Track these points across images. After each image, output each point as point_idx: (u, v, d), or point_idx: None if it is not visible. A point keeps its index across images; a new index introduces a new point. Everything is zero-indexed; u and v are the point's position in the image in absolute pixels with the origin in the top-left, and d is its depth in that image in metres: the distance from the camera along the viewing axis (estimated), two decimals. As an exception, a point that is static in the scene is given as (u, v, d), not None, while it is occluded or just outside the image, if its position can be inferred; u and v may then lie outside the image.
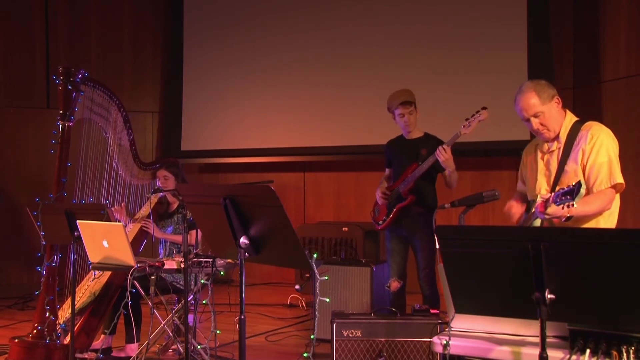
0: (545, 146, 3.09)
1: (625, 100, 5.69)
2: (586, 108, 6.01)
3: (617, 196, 2.95)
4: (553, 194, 2.64)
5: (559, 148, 3.02)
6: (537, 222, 2.94)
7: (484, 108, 3.93)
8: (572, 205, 2.51)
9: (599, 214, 2.90)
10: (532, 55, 6.01)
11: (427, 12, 6.57)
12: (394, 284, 4.29)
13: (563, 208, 2.55)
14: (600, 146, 2.89)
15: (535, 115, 2.97)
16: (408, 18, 6.65)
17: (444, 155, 3.98)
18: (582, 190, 2.47)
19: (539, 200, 2.81)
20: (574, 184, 2.51)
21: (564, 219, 2.70)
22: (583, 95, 6.24)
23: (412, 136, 4.37)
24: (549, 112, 2.97)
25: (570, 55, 6.41)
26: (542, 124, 2.98)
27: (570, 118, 3.05)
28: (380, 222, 4.39)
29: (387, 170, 4.57)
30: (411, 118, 4.28)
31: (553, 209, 2.66)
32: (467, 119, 3.97)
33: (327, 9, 7.07)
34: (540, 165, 3.10)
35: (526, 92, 2.97)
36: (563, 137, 3.01)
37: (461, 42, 6.35)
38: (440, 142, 4.26)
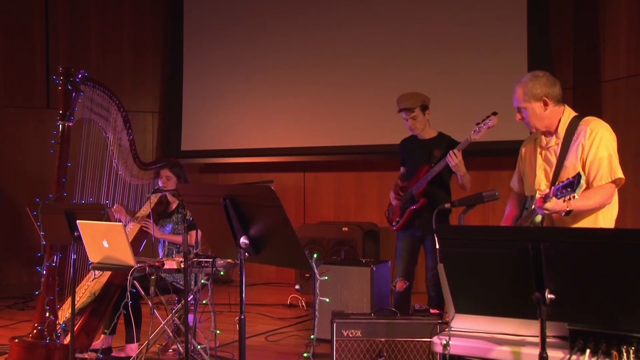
0: (544, 141, 3.09)
1: (625, 100, 5.69)
2: (586, 108, 6.01)
3: (616, 191, 2.95)
4: (553, 188, 2.64)
5: (558, 144, 3.02)
6: (538, 218, 2.94)
7: (494, 114, 3.94)
8: (574, 197, 2.51)
9: (598, 208, 2.90)
10: (532, 55, 6.01)
11: (427, 12, 6.58)
12: (400, 284, 4.29)
13: (564, 201, 2.55)
14: (600, 141, 2.89)
15: (518, 109, 3.03)
16: (408, 18, 6.65)
17: (454, 160, 3.99)
18: (583, 182, 2.48)
19: (537, 196, 2.81)
20: (573, 176, 2.52)
21: (563, 213, 2.70)
22: (583, 95, 6.24)
23: (425, 136, 4.36)
24: (531, 111, 2.99)
25: (570, 55, 6.41)
26: (522, 118, 3.04)
27: (569, 113, 3.04)
28: (394, 224, 4.40)
29: (402, 169, 4.57)
30: (415, 123, 4.27)
31: (552, 203, 2.66)
32: (477, 124, 3.97)
33: (327, 9, 7.07)
34: (539, 160, 3.10)
35: (519, 85, 3.03)
36: (562, 132, 3.01)
37: (461, 42, 6.35)
38: (453, 142, 4.25)
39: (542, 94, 2.97)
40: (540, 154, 3.10)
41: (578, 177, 2.48)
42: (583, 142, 2.92)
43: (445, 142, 4.28)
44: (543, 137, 3.09)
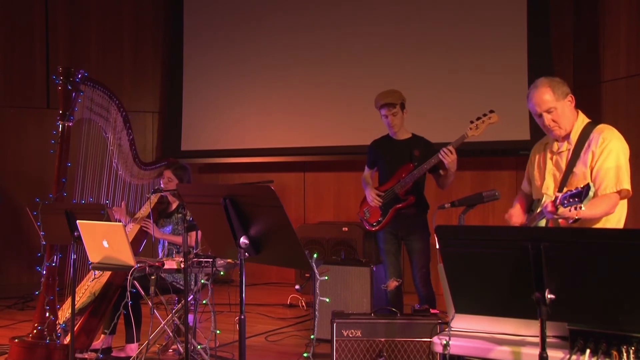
0: (555, 146, 3.07)
1: (625, 100, 5.69)
2: (586, 108, 5.94)
3: (625, 202, 2.94)
4: (560, 195, 2.62)
5: (569, 149, 3.00)
6: (542, 223, 2.93)
7: (492, 111, 3.93)
8: (580, 207, 2.49)
9: (602, 217, 2.89)
10: (532, 55, 6.02)
11: (428, 12, 6.57)
12: (393, 283, 4.29)
13: (570, 210, 2.53)
14: (610, 151, 2.87)
15: (548, 111, 2.96)
16: (408, 18, 6.65)
17: (450, 157, 3.97)
18: (591, 194, 2.45)
19: (547, 200, 2.80)
20: (582, 186, 2.49)
21: (571, 221, 2.69)
22: (583, 95, 6.22)
23: (400, 137, 4.37)
24: (561, 109, 2.95)
25: (570, 55, 6.41)
26: (554, 121, 2.97)
27: (583, 119, 3.03)
28: (375, 224, 4.38)
29: (367, 170, 4.57)
30: (395, 120, 4.28)
31: (562, 210, 2.65)
32: (472, 122, 3.96)
33: (327, 8, 7.07)
34: (549, 165, 3.08)
35: (541, 87, 2.97)
36: (574, 138, 2.99)
37: (461, 42, 6.35)
38: (429, 143, 4.27)
39: (567, 91, 2.98)
40: (551, 159, 3.09)
41: (587, 188, 2.45)
42: (594, 149, 2.90)
43: (422, 143, 4.30)
44: (555, 142, 3.07)
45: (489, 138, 5.53)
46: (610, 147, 2.88)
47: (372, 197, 4.36)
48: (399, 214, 4.28)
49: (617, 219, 2.94)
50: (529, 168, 3.27)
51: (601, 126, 2.99)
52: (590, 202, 2.65)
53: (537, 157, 3.21)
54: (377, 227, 4.37)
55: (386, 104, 4.25)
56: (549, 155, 3.11)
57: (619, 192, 2.87)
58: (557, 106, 2.95)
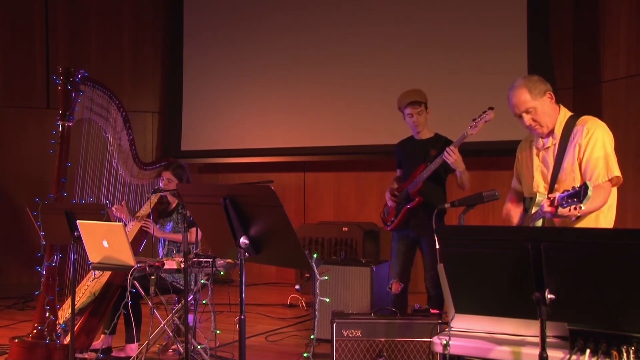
0: (540, 142, 3.08)
1: (625, 100, 5.69)
2: (586, 108, 6.01)
3: (615, 190, 2.95)
4: (557, 196, 2.62)
5: (555, 144, 3.01)
6: (539, 223, 2.93)
7: (491, 108, 3.92)
8: (580, 207, 2.49)
9: (600, 208, 2.89)
10: (532, 55, 6.02)
11: (428, 12, 6.58)
12: (395, 286, 4.27)
13: (570, 210, 2.53)
14: (596, 141, 2.89)
15: (527, 111, 2.98)
16: (408, 18, 6.65)
17: (452, 157, 3.96)
18: (590, 193, 2.44)
19: (540, 198, 2.80)
20: (579, 186, 2.49)
21: (573, 219, 2.69)
22: (583, 95, 6.24)
23: (422, 137, 4.35)
24: (541, 108, 2.97)
25: (570, 55, 6.41)
26: (534, 120, 2.99)
27: (565, 113, 3.04)
28: (389, 223, 4.38)
29: (398, 171, 4.56)
30: (420, 119, 4.25)
31: (562, 210, 2.64)
32: (473, 120, 3.95)
33: (327, 8, 7.08)
34: (536, 162, 3.09)
35: (517, 88, 2.99)
36: (558, 133, 3.00)
37: (461, 42, 6.36)
38: (450, 142, 4.24)
39: (545, 89, 2.98)
40: (537, 155, 3.10)
41: (585, 188, 2.44)
42: (580, 141, 2.92)
43: (441, 142, 4.27)
44: (540, 138, 3.08)
45: (489, 138, 5.55)
46: (595, 136, 2.89)
47: (387, 197, 4.38)
48: (413, 215, 4.27)
49: (607, 206, 2.93)
50: (517, 167, 3.28)
51: (584, 118, 3.00)
52: None
53: (523, 155, 3.22)
54: (390, 227, 4.37)
55: (413, 101, 4.21)
56: (534, 151, 3.11)
57: (610, 180, 2.88)
58: (535, 105, 2.96)
